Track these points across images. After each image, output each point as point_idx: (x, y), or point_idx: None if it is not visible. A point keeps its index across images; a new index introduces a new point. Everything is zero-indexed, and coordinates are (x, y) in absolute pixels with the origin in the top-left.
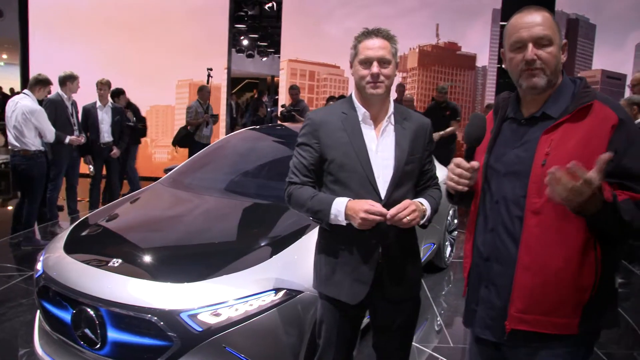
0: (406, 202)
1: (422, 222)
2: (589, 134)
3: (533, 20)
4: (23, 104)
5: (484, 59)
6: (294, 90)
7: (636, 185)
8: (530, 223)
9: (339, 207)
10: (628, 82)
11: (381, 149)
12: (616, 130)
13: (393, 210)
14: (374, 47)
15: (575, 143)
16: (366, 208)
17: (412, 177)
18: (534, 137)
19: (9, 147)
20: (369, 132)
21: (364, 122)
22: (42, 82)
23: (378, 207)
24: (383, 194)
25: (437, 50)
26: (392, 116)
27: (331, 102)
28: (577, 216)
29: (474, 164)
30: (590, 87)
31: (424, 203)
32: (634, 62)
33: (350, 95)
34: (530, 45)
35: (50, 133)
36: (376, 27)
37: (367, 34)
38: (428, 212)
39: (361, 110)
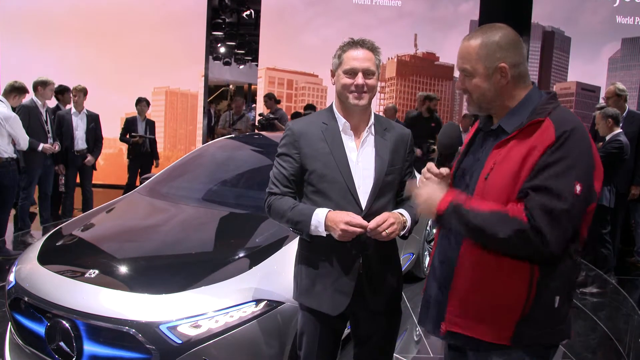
0: (385, 214)
1: (402, 233)
2: (528, 153)
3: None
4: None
5: None
6: (268, 98)
7: (534, 195)
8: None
9: (319, 218)
10: (602, 94)
11: (362, 160)
12: (548, 151)
13: (372, 224)
14: (360, 57)
15: (516, 161)
16: (347, 220)
17: (393, 187)
18: (488, 150)
19: None
20: (349, 143)
21: (344, 132)
22: (18, 90)
23: (358, 219)
24: (364, 205)
25: (416, 60)
26: (373, 127)
27: (310, 112)
28: None
29: (443, 170)
30: (553, 102)
31: (404, 214)
32: (607, 75)
33: (331, 105)
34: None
35: (24, 141)
36: (361, 37)
37: (353, 44)
38: (408, 223)
39: (342, 121)
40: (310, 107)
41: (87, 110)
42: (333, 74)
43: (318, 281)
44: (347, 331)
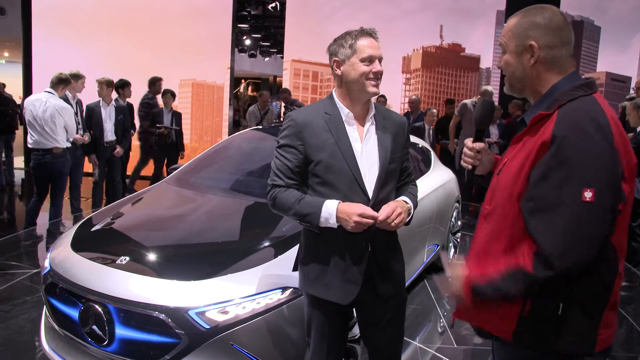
0: (393, 205)
1: (407, 219)
2: (529, 153)
3: None
4: (55, 102)
5: (487, 61)
6: (284, 93)
7: (535, 224)
8: (480, 226)
9: (330, 210)
10: (633, 84)
11: (366, 149)
12: (544, 158)
13: (382, 215)
14: (375, 46)
15: (519, 160)
16: (359, 212)
17: (395, 175)
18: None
19: (31, 147)
20: (353, 133)
21: (347, 122)
22: (65, 82)
23: (370, 211)
24: (370, 194)
25: (441, 51)
26: (374, 116)
27: None
28: (523, 235)
29: (476, 145)
30: (577, 92)
31: (407, 201)
32: (638, 65)
33: (330, 95)
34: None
35: (74, 130)
36: (368, 27)
37: (365, 33)
38: (412, 210)
39: (344, 111)
40: None
41: (115, 101)
42: (340, 64)
43: (327, 272)
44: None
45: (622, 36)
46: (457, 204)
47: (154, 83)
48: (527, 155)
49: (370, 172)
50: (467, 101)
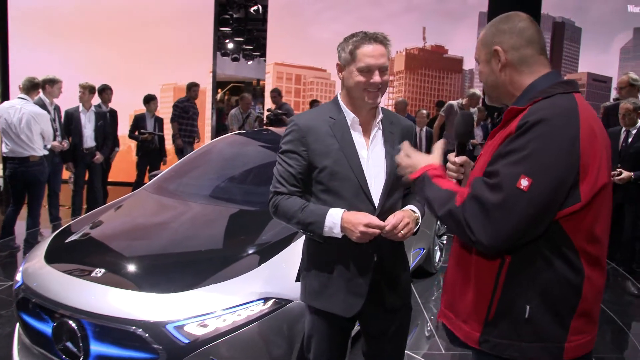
0: (400, 214)
1: (414, 229)
2: (498, 143)
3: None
4: (30, 109)
5: (471, 62)
6: (277, 93)
7: (476, 181)
8: None
9: (334, 219)
10: (614, 84)
11: (372, 156)
12: (506, 141)
13: (390, 225)
14: (375, 54)
15: (489, 153)
16: (366, 222)
17: (403, 183)
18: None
19: (7, 155)
20: (358, 139)
21: (353, 127)
22: (37, 86)
23: (376, 220)
24: (377, 203)
25: (424, 53)
26: (381, 122)
27: (316, 104)
28: None
29: (458, 159)
30: (555, 89)
31: (415, 210)
32: (619, 65)
33: (336, 98)
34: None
35: (51, 137)
36: (374, 31)
37: (367, 38)
38: (420, 220)
39: (350, 115)
40: (315, 103)
41: (94, 107)
42: (341, 69)
43: (330, 283)
44: (356, 328)
45: (602, 37)
46: None
47: (190, 88)
48: (495, 146)
49: (376, 180)
50: (454, 102)
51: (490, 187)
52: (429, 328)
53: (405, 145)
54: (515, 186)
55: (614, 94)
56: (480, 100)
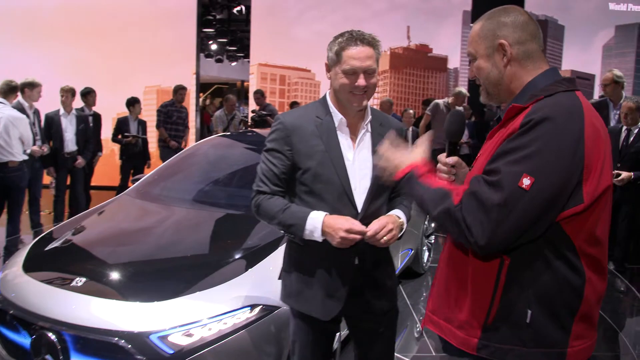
0: (383, 220)
1: (398, 235)
2: (499, 141)
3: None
4: (8, 113)
5: (455, 61)
6: (260, 94)
7: (475, 179)
8: None
9: (315, 223)
10: (597, 82)
11: (358, 159)
12: (508, 139)
13: (371, 231)
14: (360, 56)
15: (489, 151)
16: (346, 227)
17: (389, 187)
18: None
19: None
20: (345, 140)
21: (339, 129)
22: (15, 89)
23: (358, 225)
24: (360, 207)
25: (409, 52)
26: (370, 123)
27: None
28: None
29: (449, 160)
30: (557, 86)
31: (400, 216)
32: (601, 62)
33: (324, 97)
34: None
35: (30, 141)
36: (360, 31)
37: (352, 39)
38: (405, 226)
39: (337, 116)
40: (296, 104)
41: (75, 110)
42: (329, 68)
43: (309, 285)
44: (346, 332)
45: (585, 35)
46: None
47: (176, 92)
48: (495, 146)
49: (361, 184)
50: (440, 101)
51: (490, 185)
52: (418, 329)
53: (385, 144)
54: (516, 185)
55: (597, 90)
56: (467, 99)
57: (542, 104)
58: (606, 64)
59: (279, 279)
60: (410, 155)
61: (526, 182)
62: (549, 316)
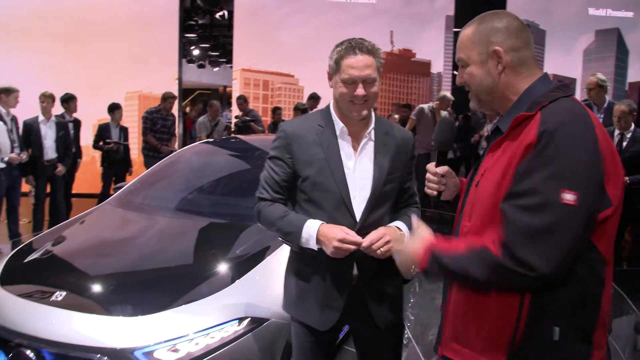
0: (381, 231)
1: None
2: (512, 156)
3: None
4: None
5: (438, 66)
6: (243, 100)
7: (508, 211)
8: None
9: (311, 231)
10: (578, 86)
11: (359, 168)
12: (529, 156)
13: (366, 242)
14: (359, 65)
15: (501, 166)
16: (340, 237)
17: (391, 197)
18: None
19: None
20: (346, 149)
21: (341, 137)
22: None
23: (352, 235)
24: (358, 217)
25: (392, 57)
26: (373, 131)
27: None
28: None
29: (439, 170)
30: (557, 93)
31: (401, 228)
32: (582, 67)
33: (328, 106)
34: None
35: (8, 149)
36: (360, 39)
37: (351, 48)
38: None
39: (339, 125)
40: (278, 110)
41: (55, 117)
42: (330, 77)
43: (308, 294)
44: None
45: (566, 39)
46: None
47: (165, 99)
48: (510, 159)
49: (361, 194)
50: (424, 105)
51: (530, 210)
52: (406, 336)
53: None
54: (559, 202)
55: (578, 94)
56: (451, 103)
57: (551, 110)
58: (587, 68)
59: (284, 285)
60: (417, 241)
61: (568, 197)
62: (575, 329)
